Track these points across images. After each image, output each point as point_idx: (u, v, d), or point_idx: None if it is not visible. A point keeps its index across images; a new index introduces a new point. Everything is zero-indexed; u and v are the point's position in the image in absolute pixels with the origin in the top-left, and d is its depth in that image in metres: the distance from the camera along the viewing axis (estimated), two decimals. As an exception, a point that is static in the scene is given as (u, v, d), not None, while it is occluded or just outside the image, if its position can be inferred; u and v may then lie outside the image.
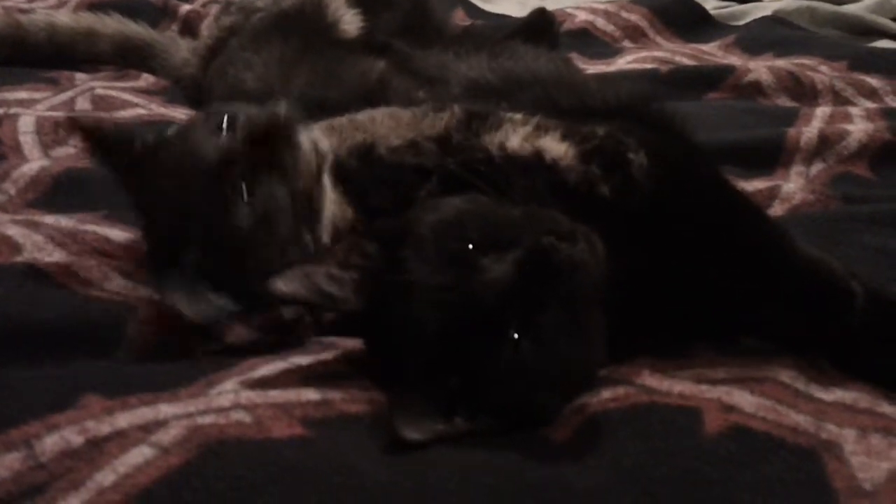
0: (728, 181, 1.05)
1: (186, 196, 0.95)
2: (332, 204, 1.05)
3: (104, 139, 0.99)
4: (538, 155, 0.96)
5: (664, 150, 0.99)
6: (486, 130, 1.04)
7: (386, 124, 1.09)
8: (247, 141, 0.97)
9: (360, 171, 1.07)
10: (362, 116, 1.12)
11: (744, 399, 0.87)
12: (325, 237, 1.03)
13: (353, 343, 0.96)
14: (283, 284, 0.87)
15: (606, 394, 0.89)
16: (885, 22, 2.17)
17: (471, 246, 0.85)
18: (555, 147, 0.97)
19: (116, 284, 1.02)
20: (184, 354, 0.93)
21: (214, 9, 1.95)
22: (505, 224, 0.86)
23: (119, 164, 0.99)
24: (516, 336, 0.82)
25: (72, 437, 0.75)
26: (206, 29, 1.73)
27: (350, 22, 1.50)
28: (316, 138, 1.06)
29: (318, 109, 1.23)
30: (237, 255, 0.96)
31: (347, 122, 1.12)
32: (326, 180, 1.05)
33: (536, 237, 0.83)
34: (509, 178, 0.95)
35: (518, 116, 1.06)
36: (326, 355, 0.94)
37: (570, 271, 0.82)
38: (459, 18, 2.20)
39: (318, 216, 1.03)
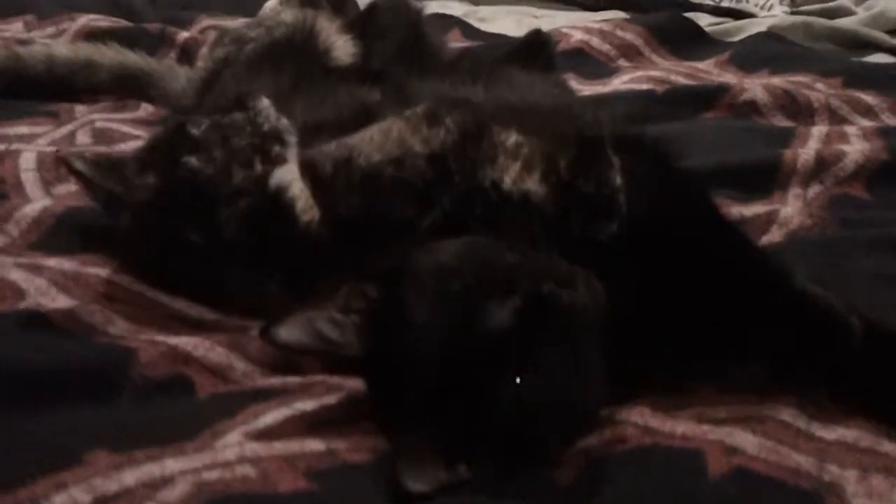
0: (723, 215, 1.06)
1: None
2: (294, 177, 1.09)
3: None
4: (526, 198, 0.97)
5: (659, 183, 1.00)
6: (481, 161, 1.05)
7: (374, 141, 1.10)
8: None
9: (335, 178, 1.09)
10: (351, 138, 1.14)
11: (746, 440, 0.87)
12: (273, 185, 1.07)
13: (356, 382, 0.97)
14: (286, 333, 0.87)
15: (609, 435, 0.90)
16: (881, 35, 2.18)
17: (470, 291, 0.85)
18: (538, 191, 0.97)
19: (120, 328, 1.03)
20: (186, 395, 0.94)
21: (212, 35, 1.96)
22: (504, 269, 0.87)
23: None
24: (518, 380, 0.82)
25: (80, 495, 0.75)
26: (201, 60, 1.74)
27: (342, 49, 1.50)
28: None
29: (315, 136, 1.24)
30: None
31: (335, 144, 1.14)
32: (290, 155, 1.11)
33: (535, 283, 0.84)
34: (506, 219, 0.96)
35: (511, 142, 1.06)
36: (330, 399, 0.95)
37: (569, 316, 0.83)
38: (456, 38, 2.21)
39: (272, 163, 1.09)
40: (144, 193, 1.07)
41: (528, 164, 1.02)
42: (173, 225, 1.05)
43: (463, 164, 1.05)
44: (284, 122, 1.13)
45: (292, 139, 1.12)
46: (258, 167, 1.08)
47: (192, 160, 1.06)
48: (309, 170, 1.10)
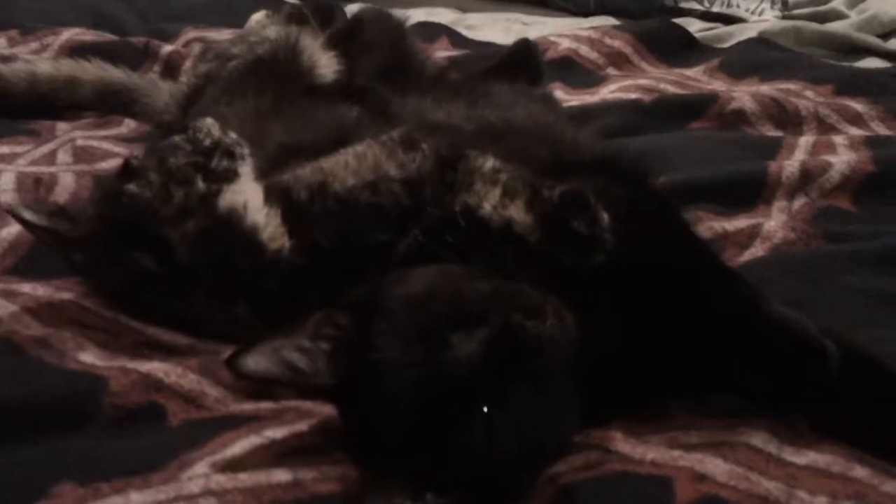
0: (696, 239, 1.05)
1: None
2: (251, 197, 1.08)
3: None
4: (507, 225, 0.96)
5: (634, 209, 0.99)
6: (457, 187, 1.04)
7: (349, 165, 1.10)
8: None
9: (311, 204, 1.08)
10: (326, 162, 1.13)
11: (716, 467, 0.87)
12: (223, 206, 1.06)
13: (329, 409, 0.97)
14: (253, 362, 0.87)
15: (579, 461, 0.89)
16: (872, 40, 2.17)
17: (440, 322, 0.85)
18: (522, 219, 0.96)
19: (91, 355, 1.02)
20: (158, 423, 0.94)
21: (196, 48, 1.96)
22: (474, 299, 0.87)
23: None
24: (486, 411, 0.82)
25: (44, 530, 0.75)
26: (184, 75, 1.73)
27: (326, 66, 1.50)
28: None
29: (294, 157, 1.23)
30: None
31: (310, 168, 1.13)
32: (244, 171, 1.09)
33: (505, 315, 0.84)
34: (479, 246, 0.95)
35: (488, 167, 1.05)
36: (301, 426, 0.94)
37: (537, 348, 0.83)
38: (443, 47, 2.20)
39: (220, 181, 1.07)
40: (87, 227, 1.06)
41: (509, 191, 1.01)
42: (122, 254, 1.05)
43: (438, 190, 1.05)
44: (233, 136, 1.11)
45: (244, 151, 1.11)
46: (200, 184, 1.06)
47: (131, 187, 1.05)
48: (282, 196, 1.08)
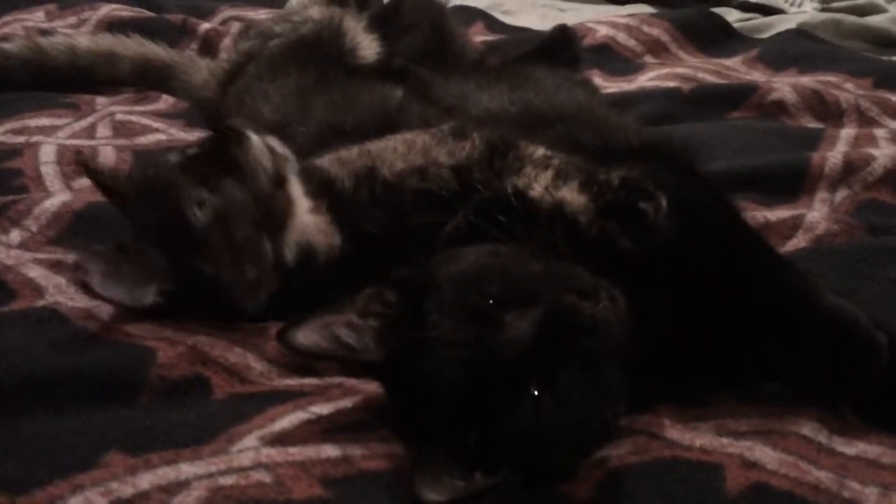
0: (747, 226, 1.04)
1: None
2: (306, 221, 1.04)
3: None
4: (558, 206, 0.96)
5: (685, 196, 0.98)
6: (507, 172, 1.03)
7: (398, 151, 1.09)
8: None
9: (357, 192, 1.07)
10: (374, 145, 1.12)
11: (766, 455, 0.86)
12: (290, 255, 1.02)
13: (374, 386, 0.97)
14: (303, 336, 0.87)
15: (627, 446, 0.89)
16: (912, 33, 2.14)
17: (491, 301, 0.84)
18: (574, 200, 0.96)
19: (138, 327, 1.02)
20: (204, 396, 0.94)
21: (234, 27, 1.96)
22: (526, 279, 0.86)
23: None
24: (536, 392, 0.82)
25: (96, 498, 0.76)
26: (225, 52, 1.73)
27: (368, 48, 1.50)
28: (272, 143, 1.05)
29: (337, 137, 1.23)
30: None
31: (357, 151, 1.11)
32: (295, 192, 1.04)
33: (558, 295, 0.83)
34: (529, 227, 0.94)
35: (539, 154, 1.05)
36: (346, 403, 0.94)
37: (591, 330, 0.82)
38: (480, 31, 2.19)
39: (281, 224, 1.02)
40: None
41: (561, 174, 1.00)
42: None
43: (487, 175, 1.04)
44: (276, 147, 1.04)
45: (291, 164, 1.05)
46: (268, 254, 1.01)
47: (205, 267, 0.99)
48: (325, 187, 1.06)
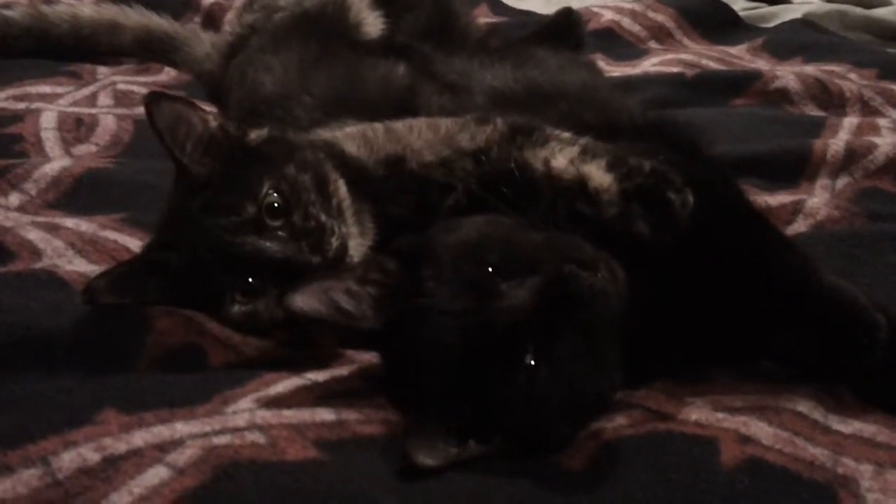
0: (752, 205, 1.04)
1: None
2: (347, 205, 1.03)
3: None
4: (580, 180, 0.95)
5: (690, 173, 0.97)
6: (530, 146, 1.03)
7: (424, 136, 1.07)
8: None
9: (387, 179, 1.06)
10: (400, 125, 1.10)
11: (761, 430, 0.86)
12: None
13: (369, 356, 0.97)
14: (301, 301, 0.86)
15: (622, 419, 0.89)
16: (917, 26, 2.13)
17: (490, 270, 0.84)
18: (599, 177, 0.95)
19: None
20: (199, 364, 0.94)
21: (237, 0, 1.95)
22: (526, 249, 0.86)
23: None
24: (532, 362, 0.82)
25: (89, 454, 0.75)
26: (228, 25, 1.72)
27: (372, 24, 1.49)
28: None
29: (340, 110, 1.22)
30: None
31: (383, 131, 1.10)
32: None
33: (557, 264, 0.83)
34: (533, 198, 0.94)
35: (566, 135, 1.05)
36: (342, 371, 0.94)
37: (589, 300, 0.82)
38: (483, 14, 2.18)
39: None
40: None
41: (589, 151, 0.99)
42: None
43: (506, 150, 1.03)
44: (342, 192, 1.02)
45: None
46: None
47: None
48: (352, 171, 1.04)
